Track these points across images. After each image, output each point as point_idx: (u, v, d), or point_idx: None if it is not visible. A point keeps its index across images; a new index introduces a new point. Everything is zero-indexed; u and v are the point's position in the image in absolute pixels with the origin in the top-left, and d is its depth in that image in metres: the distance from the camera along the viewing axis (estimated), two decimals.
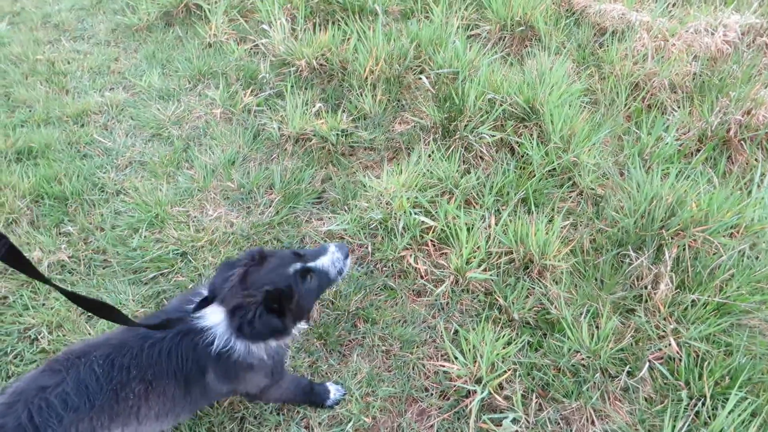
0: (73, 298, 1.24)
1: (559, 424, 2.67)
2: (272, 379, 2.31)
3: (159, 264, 3.18)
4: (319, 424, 2.63)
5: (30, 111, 4.37)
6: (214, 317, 2.04)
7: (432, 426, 2.67)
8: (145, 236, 3.32)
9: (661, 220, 3.22)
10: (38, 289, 3.03)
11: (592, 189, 3.61)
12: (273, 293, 2.00)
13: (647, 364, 2.77)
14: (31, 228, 3.35)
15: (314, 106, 4.13)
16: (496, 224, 3.33)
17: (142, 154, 3.90)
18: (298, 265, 2.14)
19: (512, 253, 3.22)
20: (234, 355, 2.06)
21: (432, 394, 2.77)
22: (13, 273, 3.07)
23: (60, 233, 3.35)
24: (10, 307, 2.96)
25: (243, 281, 2.02)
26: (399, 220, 3.35)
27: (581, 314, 2.96)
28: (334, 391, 2.70)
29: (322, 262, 2.25)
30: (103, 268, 3.19)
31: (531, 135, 3.81)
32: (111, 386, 1.86)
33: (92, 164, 3.79)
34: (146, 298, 3.04)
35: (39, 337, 2.84)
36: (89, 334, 2.84)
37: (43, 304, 2.96)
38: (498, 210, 3.47)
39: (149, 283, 3.12)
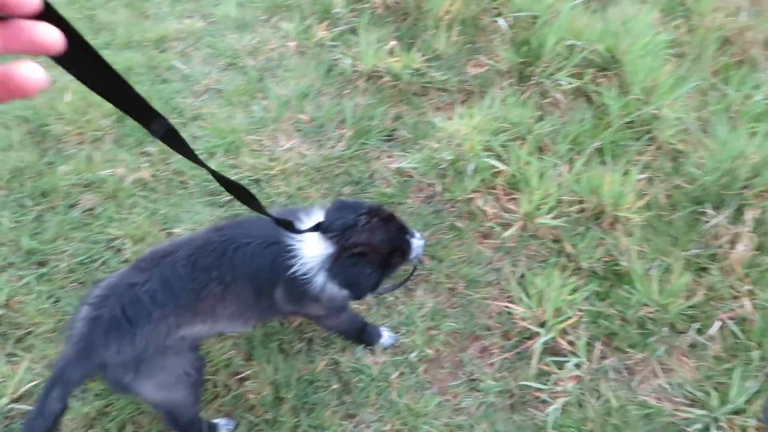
0: (223, 181, 1.29)
1: (621, 373, 2.67)
2: (331, 312, 2.38)
3: None
4: (384, 350, 2.70)
5: (112, 34, 4.47)
6: (312, 245, 2.08)
7: (493, 363, 2.72)
8: (221, 161, 3.40)
9: (745, 180, 3.11)
10: (123, 203, 3.16)
11: (672, 144, 3.50)
12: (396, 253, 2.05)
13: (719, 322, 2.73)
14: (115, 146, 3.48)
15: (388, 44, 4.09)
16: (569, 173, 3.27)
17: (218, 82, 3.96)
18: (409, 238, 2.20)
19: (584, 203, 3.18)
20: (308, 284, 2.10)
21: (494, 333, 2.81)
22: (100, 186, 3.21)
23: (141, 153, 3.47)
24: (97, 218, 3.11)
25: (370, 230, 2.06)
26: (469, 162, 3.33)
27: (650, 268, 2.92)
28: (386, 336, 2.73)
29: (418, 246, 2.29)
30: (182, 189, 3.30)
31: (610, 85, 3.70)
32: (193, 286, 1.95)
33: (171, 89, 3.87)
34: (221, 221, 3.14)
35: (123, 248, 2.98)
36: None
37: (127, 218, 3.09)
38: (571, 159, 3.41)
39: (224, 207, 3.22)
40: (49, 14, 0.58)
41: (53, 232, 3.01)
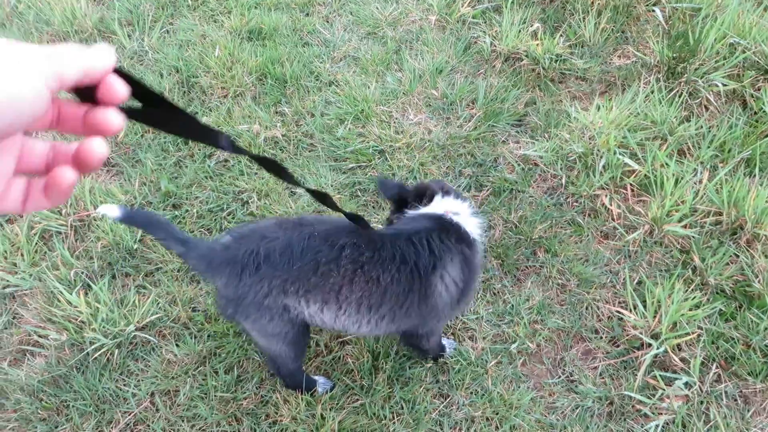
0: (306, 188, 1.33)
1: (736, 400, 2.51)
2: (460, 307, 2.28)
3: (359, 156, 3.35)
4: (484, 338, 2.70)
5: None
6: (464, 214, 2.18)
7: (596, 368, 2.64)
8: (349, 128, 3.49)
9: None
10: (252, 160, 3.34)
11: None
12: None
13: None
14: (253, 103, 3.67)
15: (532, 26, 3.97)
16: (709, 181, 3.05)
17: (356, 50, 4.04)
18: None
19: (721, 215, 2.96)
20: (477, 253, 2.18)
21: (602, 338, 2.72)
22: (236, 140, 3.41)
23: (276, 112, 3.64)
24: (229, 170, 3.31)
25: None
26: (601, 157, 3.19)
27: None
28: (449, 348, 2.66)
29: None
30: (309, 151, 3.43)
31: None
32: (314, 257, 1.91)
33: (311, 52, 4.00)
34: (343, 186, 3.24)
35: (249, 201, 3.16)
36: (291, 207, 3.11)
37: (256, 173, 3.27)
38: (714, 166, 3.18)
39: (347, 173, 3.31)
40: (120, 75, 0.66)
41: (189, 178, 3.26)
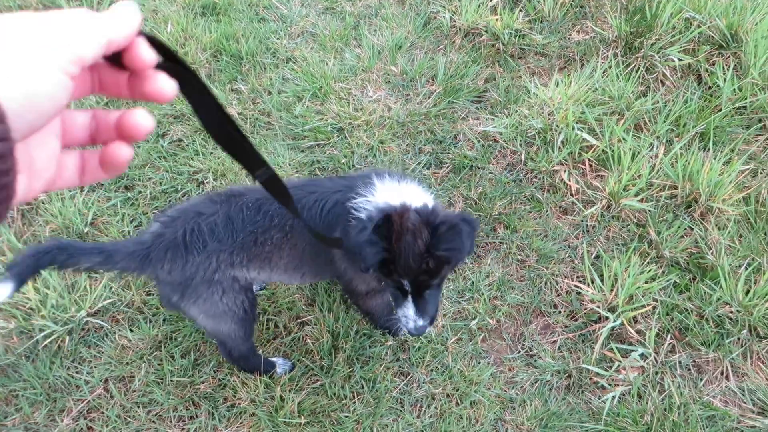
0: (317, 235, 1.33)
1: (689, 370, 2.56)
2: (379, 287, 2.25)
3: (317, 134, 3.29)
4: (444, 315, 2.70)
5: None
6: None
7: (555, 342, 2.66)
8: (307, 106, 3.42)
9: None
10: (208, 137, 3.25)
11: None
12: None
13: None
14: (208, 80, 3.57)
15: (491, 1, 3.94)
16: (665, 155, 3.09)
17: (314, 26, 3.95)
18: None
19: (676, 189, 3.00)
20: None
21: (560, 312, 2.74)
22: (190, 119, 3.32)
23: (232, 90, 3.54)
24: (184, 150, 3.22)
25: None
26: (559, 133, 3.20)
27: (740, 266, 2.74)
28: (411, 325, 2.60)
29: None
30: (266, 130, 3.36)
31: (726, 65, 3.42)
32: (252, 227, 1.96)
33: (268, 28, 3.90)
34: (301, 165, 3.18)
35: (205, 181, 3.09)
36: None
37: (212, 153, 3.19)
38: (670, 140, 3.21)
39: (306, 152, 3.25)
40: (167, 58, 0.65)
41: (142, 158, 3.16)
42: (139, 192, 3.05)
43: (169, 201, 3.01)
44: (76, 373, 2.51)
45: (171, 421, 2.40)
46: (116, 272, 1.97)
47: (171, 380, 2.47)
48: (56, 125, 0.64)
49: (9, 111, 0.50)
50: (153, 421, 2.40)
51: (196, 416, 2.41)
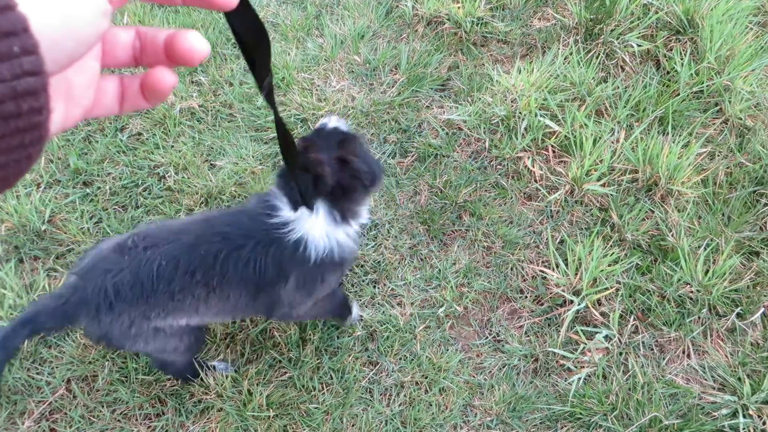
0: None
1: (652, 349, 2.61)
2: (329, 291, 2.20)
3: None
4: (412, 303, 2.71)
5: None
6: (313, 224, 1.93)
7: (522, 327, 2.69)
8: None
9: None
10: (169, 130, 3.20)
11: (740, 119, 3.30)
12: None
13: (762, 309, 2.62)
14: None
15: None
16: (626, 139, 3.13)
17: (275, 15, 3.90)
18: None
19: (637, 173, 3.05)
20: (324, 254, 1.96)
21: (526, 297, 2.77)
22: (149, 112, 3.25)
23: (192, 82, 3.48)
24: (143, 144, 3.15)
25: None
26: (522, 120, 3.22)
27: (700, 247, 2.80)
28: (356, 311, 2.61)
29: None
30: (228, 122, 3.31)
31: (683, 50, 3.49)
32: (168, 288, 1.83)
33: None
34: (265, 157, 3.15)
35: (166, 175, 3.03)
36: (210, 180, 2.99)
37: (173, 146, 3.13)
38: (630, 125, 3.26)
39: (269, 143, 3.22)
40: None
41: (100, 153, 3.08)
42: (98, 188, 2.98)
43: (130, 196, 2.95)
44: (37, 374, 2.45)
45: (137, 420, 2.36)
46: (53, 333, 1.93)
47: (136, 378, 2.43)
48: (96, 47, 0.59)
49: (45, 40, 0.45)
50: (118, 420, 2.36)
51: (163, 413, 2.38)
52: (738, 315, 2.62)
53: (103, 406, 2.38)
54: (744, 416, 2.33)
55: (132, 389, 2.41)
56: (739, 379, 2.45)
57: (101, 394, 2.41)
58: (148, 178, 3.02)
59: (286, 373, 2.48)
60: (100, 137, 3.16)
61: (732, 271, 2.70)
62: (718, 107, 3.37)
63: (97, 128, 3.21)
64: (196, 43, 0.59)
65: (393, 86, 3.50)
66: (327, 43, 3.72)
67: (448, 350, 2.60)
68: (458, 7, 3.79)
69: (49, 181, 2.99)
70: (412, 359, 2.55)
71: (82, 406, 2.38)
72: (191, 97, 3.36)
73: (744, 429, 2.30)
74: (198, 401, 2.40)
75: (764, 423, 2.30)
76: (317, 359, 2.51)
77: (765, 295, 2.66)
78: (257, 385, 2.42)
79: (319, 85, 3.49)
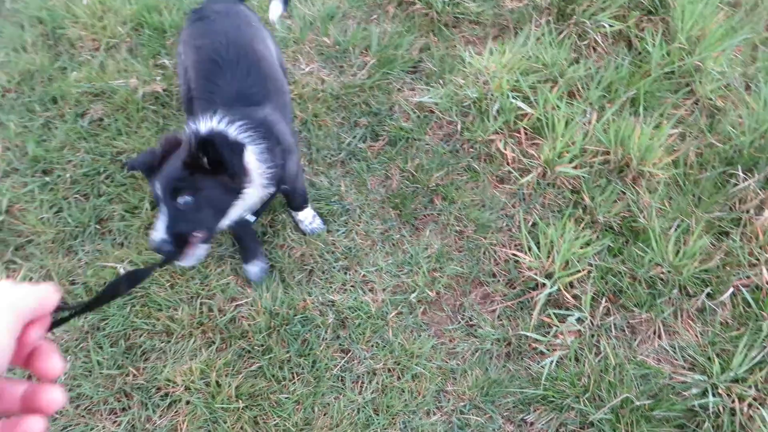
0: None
1: (624, 331, 2.62)
2: None
3: None
4: (384, 289, 2.67)
5: None
6: None
7: (494, 311, 2.67)
8: None
9: None
10: (132, 116, 3.10)
11: (711, 99, 3.30)
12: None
13: (731, 289, 2.63)
14: (129, 55, 3.38)
15: None
16: (597, 121, 3.11)
17: None
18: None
19: (609, 154, 3.04)
20: None
21: (499, 281, 2.75)
22: (111, 96, 3.15)
23: (156, 65, 3.37)
24: (105, 130, 3.05)
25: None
26: (494, 102, 3.18)
27: (671, 228, 2.80)
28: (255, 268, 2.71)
29: None
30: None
31: (655, 31, 3.47)
32: None
33: (192, 1, 3.73)
34: None
35: None
36: None
37: (136, 132, 3.04)
38: (602, 107, 3.24)
39: None
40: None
41: (60, 140, 2.98)
42: (59, 176, 2.88)
43: (92, 184, 2.86)
44: None
45: (102, 415, 2.30)
46: None
47: (100, 372, 2.36)
48: None
49: None
50: (82, 416, 2.30)
51: (129, 408, 2.32)
52: (708, 295, 2.63)
53: (66, 402, 2.31)
54: (713, 395, 2.35)
55: (96, 384, 2.34)
56: (709, 358, 2.47)
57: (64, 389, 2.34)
58: (110, 165, 2.93)
59: (255, 363, 2.43)
60: (59, 123, 3.06)
61: (702, 252, 2.70)
62: (689, 88, 3.36)
63: (57, 114, 3.10)
64: (57, 396, 0.61)
65: (363, 68, 3.44)
66: (296, 25, 3.63)
67: (420, 336, 2.57)
68: None
69: (6, 169, 2.88)
70: (384, 346, 2.52)
71: None
72: (155, 81, 3.25)
73: (713, 407, 2.31)
74: (165, 395, 2.34)
75: (733, 402, 2.31)
76: (287, 349, 2.47)
77: (734, 275, 2.67)
78: (226, 376, 2.37)
79: (287, 68, 3.40)
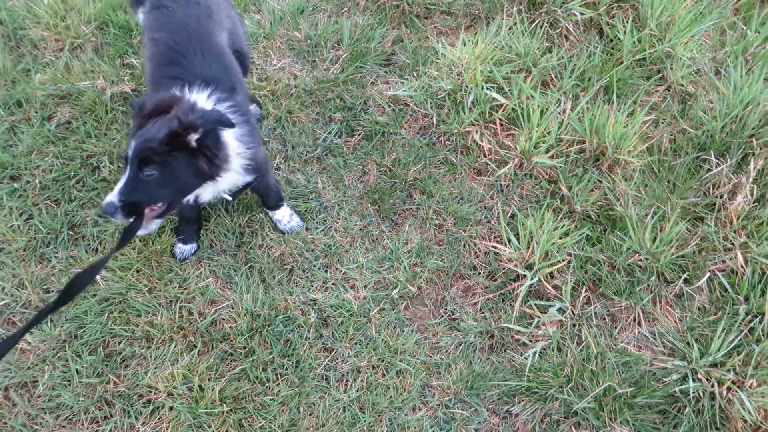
0: None
1: (604, 319, 2.64)
2: None
3: None
4: (365, 286, 2.66)
5: None
6: None
7: (476, 303, 2.68)
8: None
9: (753, 128, 2.98)
10: (101, 118, 3.02)
11: (682, 85, 3.33)
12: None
13: (708, 274, 2.67)
14: (95, 55, 3.29)
15: None
16: (572, 110, 3.12)
17: None
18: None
19: (584, 143, 3.05)
20: None
21: (480, 273, 2.76)
22: (78, 98, 3.07)
23: (123, 65, 3.29)
24: (74, 133, 2.98)
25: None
26: (469, 93, 3.17)
27: (647, 215, 2.83)
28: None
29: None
30: None
31: (625, 18, 3.48)
32: None
33: None
34: None
35: (100, 166, 2.87)
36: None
37: (105, 134, 2.97)
38: (576, 95, 3.25)
39: None
40: None
41: (27, 145, 2.89)
42: (27, 182, 2.80)
43: (62, 189, 2.79)
44: None
45: (83, 424, 2.26)
46: None
47: (80, 381, 2.32)
48: None
49: None
50: (63, 426, 2.25)
51: (110, 416, 2.28)
52: (685, 281, 2.67)
53: (45, 413, 2.26)
54: (693, 380, 2.39)
55: (76, 393, 2.30)
56: (688, 343, 2.50)
57: (43, 400, 2.29)
58: (80, 170, 2.86)
59: (238, 365, 2.41)
60: (25, 127, 2.97)
61: (678, 238, 2.74)
62: (661, 74, 3.39)
63: (22, 117, 3.01)
64: None
65: (336, 62, 3.40)
66: (266, 20, 3.57)
67: (403, 332, 2.57)
68: None
69: None
70: (368, 343, 2.52)
71: (23, 414, 2.26)
72: (123, 81, 3.17)
73: (694, 392, 2.35)
74: (147, 401, 2.30)
75: (713, 386, 2.35)
76: (270, 350, 2.44)
77: (710, 260, 2.72)
78: (208, 380, 2.34)
79: (259, 64, 3.36)
